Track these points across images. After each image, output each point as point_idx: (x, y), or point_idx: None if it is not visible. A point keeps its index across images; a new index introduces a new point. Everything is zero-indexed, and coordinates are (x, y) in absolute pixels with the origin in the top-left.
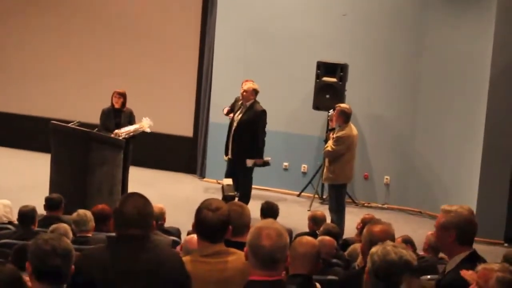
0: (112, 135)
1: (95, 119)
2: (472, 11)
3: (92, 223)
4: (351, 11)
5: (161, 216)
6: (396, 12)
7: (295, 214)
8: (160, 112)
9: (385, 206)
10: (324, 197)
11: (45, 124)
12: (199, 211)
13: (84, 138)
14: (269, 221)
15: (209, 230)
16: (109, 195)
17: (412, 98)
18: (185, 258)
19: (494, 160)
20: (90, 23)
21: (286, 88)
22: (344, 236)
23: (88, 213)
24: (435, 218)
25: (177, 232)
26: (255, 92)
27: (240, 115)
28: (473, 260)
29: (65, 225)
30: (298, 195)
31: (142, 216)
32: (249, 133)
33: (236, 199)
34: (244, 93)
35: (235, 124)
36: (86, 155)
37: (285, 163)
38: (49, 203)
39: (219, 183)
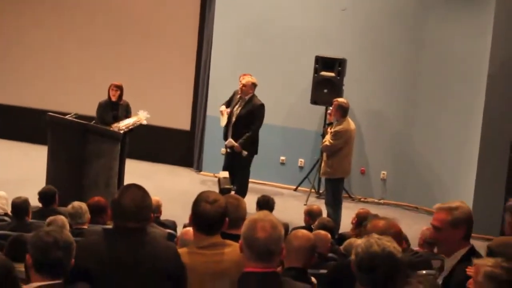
0: (112, 129)
1: (92, 112)
2: (471, 8)
3: (87, 215)
4: (351, 6)
5: (157, 209)
6: (395, 8)
7: (292, 208)
8: (157, 105)
9: (382, 201)
10: (320, 191)
11: (42, 116)
12: (196, 204)
13: (81, 130)
14: (264, 213)
15: (207, 222)
16: (105, 187)
17: (410, 94)
18: (181, 250)
19: (491, 156)
20: (88, 15)
21: (284, 82)
22: (340, 231)
23: (83, 205)
24: (432, 213)
25: (173, 225)
26: (254, 86)
27: (239, 108)
28: (473, 255)
29: (62, 217)
30: (295, 190)
31: (140, 209)
32: (248, 127)
33: (233, 192)
34: (243, 87)
35: (233, 118)
36: (83, 147)
37: (282, 157)
38: (43, 198)
39: (215, 177)
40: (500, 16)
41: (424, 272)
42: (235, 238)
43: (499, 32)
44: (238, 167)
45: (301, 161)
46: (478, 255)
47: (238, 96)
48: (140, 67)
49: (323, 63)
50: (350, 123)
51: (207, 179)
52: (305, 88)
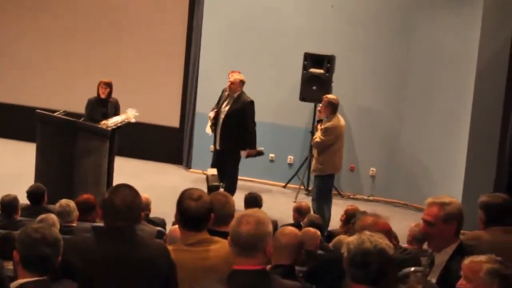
0: (100, 126)
1: (81, 109)
2: (460, 3)
3: (76, 213)
4: (339, 3)
5: (146, 207)
6: (384, 4)
7: (281, 205)
8: (146, 102)
9: (371, 198)
10: (309, 188)
11: (30, 113)
12: (181, 201)
13: (70, 128)
14: (254, 210)
15: (193, 219)
16: (94, 185)
17: (398, 91)
18: (169, 248)
19: (479, 153)
20: (77, 14)
21: (273, 79)
22: (329, 228)
23: (71, 203)
24: (421, 210)
25: (162, 223)
26: (242, 83)
27: (228, 106)
28: (463, 250)
29: (53, 216)
30: (284, 187)
31: (131, 209)
32: (237, 124)
33: (222, 189)
34: (231, 85)
35: (222, 115)
36: (72, 144)
37: (271, 155)
38: (32, 197)
39: (204, 174)
40: (488, 12)
41: (412, 269)
42: (224, 235)
43: (488, 28)
44: (227, 164)
45: (290, 158)
46: (469, 250)
47: (226, 93)
48: (129, 64)
49: (312, 59)
50: (340, 119)
51: (196, 176)
52: (294, 85)
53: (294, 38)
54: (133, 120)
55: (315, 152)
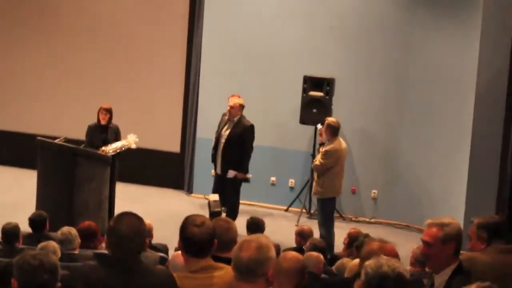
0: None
1: (81, 135)
2: (458, 22)
3: (77, 240)
4: (338, 25)
5: (148, 232)
6: (382, 26)
7: (283, 229)
8: (147, 128)
9: (373, 220)
10: (311, 211)
11: (31, 140)
12: (184, 228)
13: (71, 154)
14: (257, 235)
15: (197, 246)
16: (96, 211)
17: (399, 112)
18: (174, 275)
19: (480, 173)
20: (76, 39)
21: (273, 103)
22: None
23: (73, 231)
24: (423, 231)
25: (164, 249)
26: (242, 107)
27: (228, 130)
28: (462, 270)
29: (53, 243)
30: (286, 210)
31: (136, 237)
32: (238, 148)
33: (224, 214)
34: (231, 109)
35: (223, 140)
36: (73, 171)
37: (272, 178)
38: (34, 224)
39: (206, 199)
40: (487, 26)
41: None
42: (227, 261)
43: (487, 47)
44: (228, 189)
45: (291, 181)
46: (467, 271)
47: (226, 117)
48: (129, 90)
49: (311, 83)
50: (341, 142)
51: (197, 201)
52: (294, 108)
53: (293, 61)
54: (133, 146)
55: (315, 175)
